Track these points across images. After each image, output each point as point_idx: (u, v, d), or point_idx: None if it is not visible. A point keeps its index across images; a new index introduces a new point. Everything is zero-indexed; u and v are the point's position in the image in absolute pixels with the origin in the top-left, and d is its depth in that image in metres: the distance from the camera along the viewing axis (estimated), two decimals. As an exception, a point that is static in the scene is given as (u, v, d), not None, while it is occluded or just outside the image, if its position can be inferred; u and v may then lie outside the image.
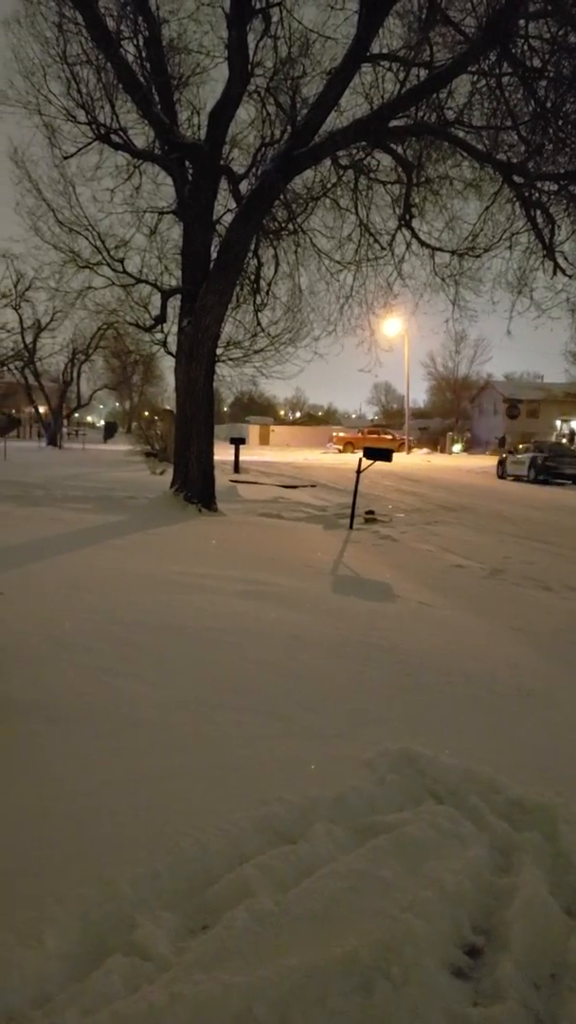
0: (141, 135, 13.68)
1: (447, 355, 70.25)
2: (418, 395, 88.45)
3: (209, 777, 3.01)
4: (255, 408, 76.53)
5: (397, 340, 39.62)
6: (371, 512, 13.68)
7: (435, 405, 73.55)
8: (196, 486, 12.68)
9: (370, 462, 12.19)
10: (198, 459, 12.84)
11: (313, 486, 20.25)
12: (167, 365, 53.38)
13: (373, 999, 1.98)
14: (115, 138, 13.14)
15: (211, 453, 13.06)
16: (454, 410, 66.81)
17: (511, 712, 4.01)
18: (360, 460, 12.33)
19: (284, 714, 3.72)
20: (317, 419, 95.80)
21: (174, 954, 2.08)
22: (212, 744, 3.32)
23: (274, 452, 45.96)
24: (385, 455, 12.26)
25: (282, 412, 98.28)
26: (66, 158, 13.45)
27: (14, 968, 1.95)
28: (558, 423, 53.05)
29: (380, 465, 12.82)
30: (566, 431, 50.59)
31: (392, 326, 33.33)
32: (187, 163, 13.04)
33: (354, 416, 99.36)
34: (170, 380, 41.23)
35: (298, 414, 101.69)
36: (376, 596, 6.82)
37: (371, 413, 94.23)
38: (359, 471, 12.47)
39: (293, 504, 15.05)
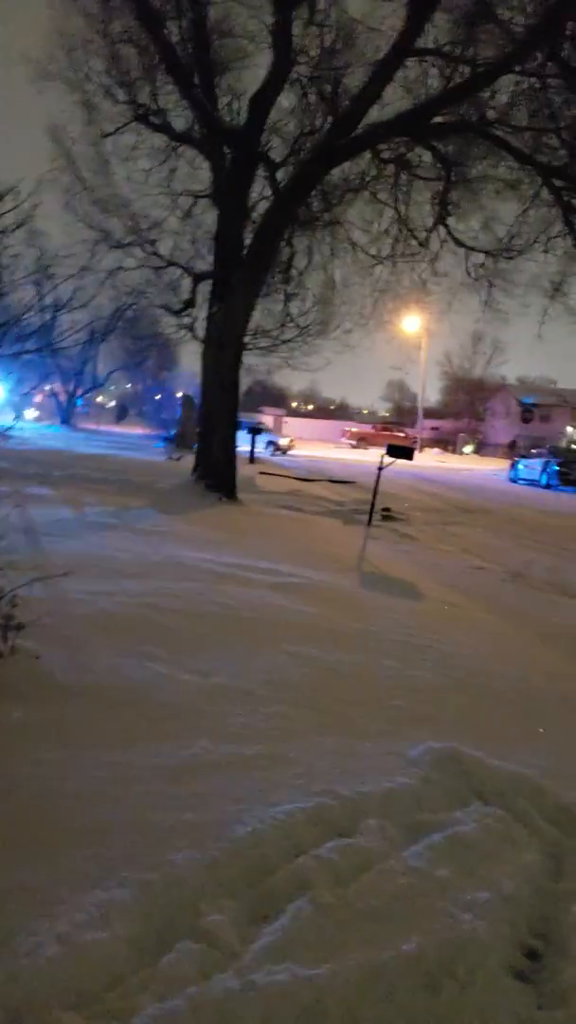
0: (180, 118, 13.63)
1: (464, 355, 69.89)
2: (431, 394, 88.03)
3: (258, 767, 3.01)
4: (268, 398, 76.23)
5: (416, 338, 39.55)
6: (387, 509, 13.63)
7: (448, 405, 73.16)
8: (218, 475, 12.56)
9: (392, 460, 12.15)
10: (221, 447, 12.76)
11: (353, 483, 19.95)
12: (186, 350, 53.06)
13: (440, 998, 1.98)
14: (154, 119, 13.09)
15: (234, 442, 12.98)
16: (467, 411, 66.50)
17: (550, 717, 4.01)
18: (382, 457, 12.29)
19: (326, 708, 3.73)
20: (330, 412, 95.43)
21: (240, 943, 2.08)
22: (259, 734, 3.32)
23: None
24: (407, 453, 12.24)
25: (295, 404, 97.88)
26: (104, 136, 13.40)
27: (84, 950, 1.95)
28: (568, 429, 53.04)
29: (395, 464, 12.76)
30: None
31: (411, 323, 33.39)
32: (225, 148, 12.99)
33: (365, 412, 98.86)
34: (186, 365, 41.13)
35: (310, 407, 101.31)
36: (404, 594, 6.82)
37: (383, 410, 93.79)
38: (380, 468, 12.44)
39: (311, 498, 15.00)
